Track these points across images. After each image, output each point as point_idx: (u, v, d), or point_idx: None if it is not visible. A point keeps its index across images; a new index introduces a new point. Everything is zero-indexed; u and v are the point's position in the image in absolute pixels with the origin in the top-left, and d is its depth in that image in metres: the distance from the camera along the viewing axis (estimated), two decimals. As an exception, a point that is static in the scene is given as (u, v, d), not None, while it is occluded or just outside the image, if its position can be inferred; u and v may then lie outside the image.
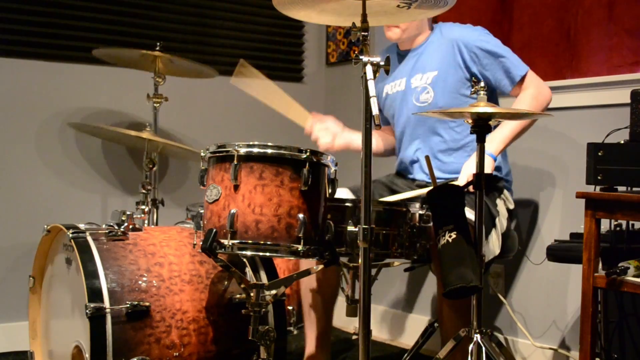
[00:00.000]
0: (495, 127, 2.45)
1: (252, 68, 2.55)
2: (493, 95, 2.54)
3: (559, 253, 2.33)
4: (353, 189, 2.53)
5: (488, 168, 2.31)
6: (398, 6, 1.81)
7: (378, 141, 2.85)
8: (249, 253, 1.88)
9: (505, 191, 2.55)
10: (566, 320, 2.70)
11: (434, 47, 2.56)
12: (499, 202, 2.48)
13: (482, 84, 1.98)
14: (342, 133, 2.68)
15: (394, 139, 2.78)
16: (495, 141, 2.39)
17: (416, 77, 2.57)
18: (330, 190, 1.96)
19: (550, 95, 2.45)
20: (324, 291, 2.46)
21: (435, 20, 2.70)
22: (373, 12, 1.77)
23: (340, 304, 2.26)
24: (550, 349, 2.73)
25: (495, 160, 2.38)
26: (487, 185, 2.39)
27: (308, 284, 2.46)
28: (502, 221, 2.44)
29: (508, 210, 2.52)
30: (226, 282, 2.14)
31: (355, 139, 2.69)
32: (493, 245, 2.37)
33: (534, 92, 2.42)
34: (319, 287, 2.45)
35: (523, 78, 2.43)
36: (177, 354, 2.01)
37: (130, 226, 2.16)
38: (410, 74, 2.60)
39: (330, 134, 2.66)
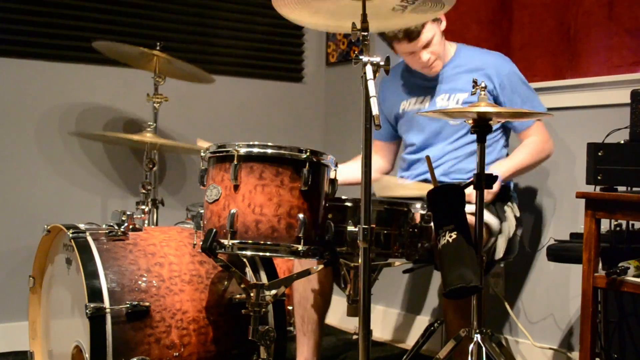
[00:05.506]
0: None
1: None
2: (507, 131, 2.61)
3: (559, 253, 2.33)
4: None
5: (494, 187, 2.33)
6: (393, 9, 1.79)
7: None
8: (249, 253, 1.88)
9: (512, 199, 2.59)
10: (566, 320, 2.70)
11: (464, 71, 2.57)
12: (507, 208, 2.50)
13: (483, 84, 1.98)
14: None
15: (389, 159, 2.82)
16: (504, 166, 2.46)
17: (442, 97, 2.58)
18: (330, 190, 1.96)
19: (553, 149, 2.57)
20: (317, 299, 2.47)
21: (450, 37, 2.70)
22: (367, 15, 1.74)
23: (341, 304, 2.26)
24: (550, 349, 2.73)
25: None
26: (499, 194, 2.43)
27: (302, 292, 2.48)
28: (510, 226, 2.45)
29: (516, 217, 2.53)
30: (226, 282, 2.14)
31: None
32: (498, 248, 2.38)
33: (542, 139, 2.53)
34: (313, 296, 2.47)
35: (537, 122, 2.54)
36: (177, 354, 2.01)
37: (130, 226, 2.16)
38: (436, 93, 2.60)
39: None
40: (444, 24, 2.57)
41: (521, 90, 2.52)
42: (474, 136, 1.99)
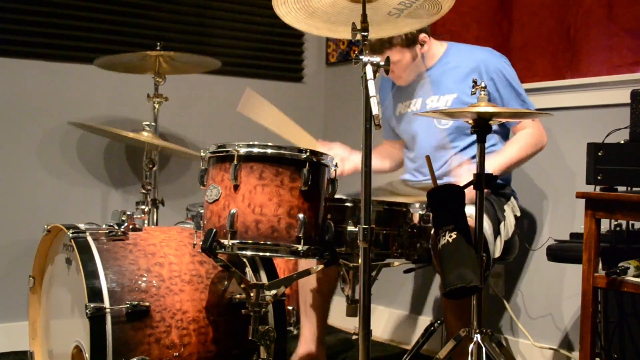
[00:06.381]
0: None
1: (259, 96, 2.49)
2: (504, 128, 2.58)
3: (559, 253, 2.33)
4: (349, 196, 2.52)
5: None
6: (389, 13, 1.79)
7: (384, 160, 2.86)
8: (249, 253, 1.88)
9: (512, 198, 2.56)
10: (566, 320, 2.70)
11: (452, 69, 2.56)
12: (506, 208, 2.49)
13: (483, 84, 1.97)
14: (350, 157, 2.62)
15: (401, 153, 2.81)
16: (493, 162, 2.39)
17: (432, 99, 2.57)
18: (330, 190, 1.96)
19: (546, 141, 2.53)
20: (322, 286, 2.47)
21: (442, 37, 2.69)
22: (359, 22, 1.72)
23: (340, 304, 2.26)
24: (550, 349, 2.73)
25: None
26: (494, 188, 2.42)
27: (306, 279, 2.46)
28: (507, 228, 2.44)
29: (515, 217, 2.53)
30: (226, 282, 2.14)
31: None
32: (495, 249, 2.38)
33: (535, 132, 2.50)
34: (317, 283, 2.46)
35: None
36: (177, 354, 2.01)
37: (130, 226, 2.16)
38: (426, 95, 2.59)
39: (339, 160, 2.62)
40: (426, 47, 2.56)
41: (503, 91, 2.48)
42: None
